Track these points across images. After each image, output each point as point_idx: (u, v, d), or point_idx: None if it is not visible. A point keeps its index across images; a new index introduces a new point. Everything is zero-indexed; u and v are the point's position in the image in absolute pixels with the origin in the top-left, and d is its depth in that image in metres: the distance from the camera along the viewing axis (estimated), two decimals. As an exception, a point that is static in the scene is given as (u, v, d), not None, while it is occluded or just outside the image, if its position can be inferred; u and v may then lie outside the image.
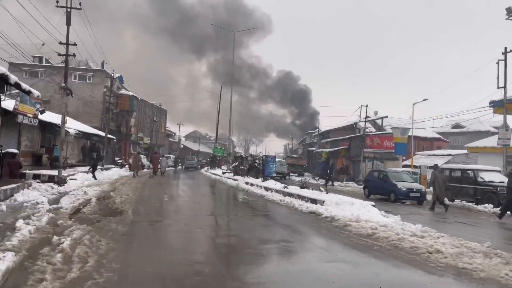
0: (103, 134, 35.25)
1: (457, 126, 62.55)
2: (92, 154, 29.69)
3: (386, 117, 46.25)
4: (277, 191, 15.70)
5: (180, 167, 57.77)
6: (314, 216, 10.62)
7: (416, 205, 17.98)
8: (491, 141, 37.54)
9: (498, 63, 21.28)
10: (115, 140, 44.50)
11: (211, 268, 5.29)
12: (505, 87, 21.29)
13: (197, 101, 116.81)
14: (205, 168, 43.89)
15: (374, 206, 10.97)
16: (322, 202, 11.59)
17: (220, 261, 5.82)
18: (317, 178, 33.36)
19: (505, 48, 21.06)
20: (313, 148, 58.92)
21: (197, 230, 8.08)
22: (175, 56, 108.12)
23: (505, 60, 21.03)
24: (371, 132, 39.03)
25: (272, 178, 18.99)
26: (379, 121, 48.64)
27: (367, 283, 4.89)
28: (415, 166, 36.72)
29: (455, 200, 18.89)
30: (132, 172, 24.91)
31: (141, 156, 38.48)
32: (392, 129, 35.97)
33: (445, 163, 44.11)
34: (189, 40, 73.20)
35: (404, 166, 39.68)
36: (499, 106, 26.80)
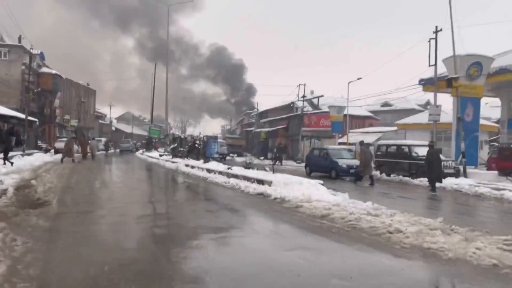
0: (23, 116, 31.86)
1: (385, 104, 65.71)
2: (10, 139, 26.62)
3: (322, 96, 46.90)
4: (220, 172, 14.92)
5: (112, 150, 54.67)
6: (263, 198, 10.02)
7: (355, 181, 18.23)
8: (419, 118, 39.68)
9: (429, 41, 22.00)
10: (37, 123, 40.65)
11: (151, 267, 4.42)
12: (435, 65, 22.13)
13: (127, 79, 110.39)
14: (141, 151, 41.79)
15: (322, 184, 10.63)
16: (269, 183, 11.03)
17: (163, 257, 4.94)
18: (262, 158, 33.23)
19: (436, 27, 21.80)
20: (252, 128, 58.71)
21: (133, 221, 7.08)
22: (102, 31, 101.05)
23: (436, 38, 21.78)
24: (309, 111, 39.34)
25: (214, 159, 18.12)
26: (315, 101, 49.41)
27: (336, 273, 4.33)
28: (350, 144, 37.87)
29: (391, 175, 19.48)
30: (61, 158, 22.75)
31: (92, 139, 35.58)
32: (329, 108, 36.57)
33: (377, 139, 46.17)
34: (114, 13, 68.72)
35: (340, 143, 40.79)
36: (428, 83, 28.08)
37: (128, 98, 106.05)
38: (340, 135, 37.27)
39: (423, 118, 39.03)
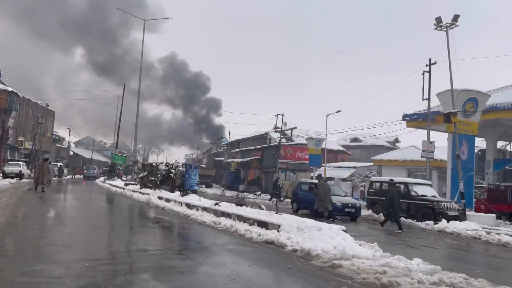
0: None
1: (355, 139, 65.48)
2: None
3: (296, 128, 45.53)
4: (205, 209, 12.38)
5: (68, 177, 50.35)
6: (275, 249, 7.63)
7: (348, 221, 16.23)
8: (394, 155, 38.87)
9: (423, 74, 20.95)
10: (-14, 143, 36.35)
11: None
12: (429, 99, 21.05)
13: (90, 102, 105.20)
14: (102, 179, 38.09)
15: (345, 231, 8.43)
16: (277, 227, 8.70)
17: None
18: (259, 193, 30.98)
19: (430, 59, 20.91)
20: (221, 158, 56.22)
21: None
22: (62, 48, 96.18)
23: (429, 71, 20.84)
24: (284, 143, 37.57)
25: (193, 192, 15.54)
26: (288, 133, 47.95)
27: None
28: (328, 178, 36.22)
29: (380, 214, 17.65)
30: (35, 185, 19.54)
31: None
32: (307, 140, 34.96)
33: (351, 174, 45.00)
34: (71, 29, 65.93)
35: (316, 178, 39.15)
36: (412, 119, 27.14)
37: (91, 122, 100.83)
38: (317, 168, 35.58)
39: (398, 155, 38.32)
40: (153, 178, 19.22)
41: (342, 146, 59.53)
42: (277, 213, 10.03)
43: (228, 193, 19.81)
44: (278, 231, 8.57)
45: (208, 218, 11.30)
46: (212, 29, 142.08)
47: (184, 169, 15.87)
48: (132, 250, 6.99)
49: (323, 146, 35.21)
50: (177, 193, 17.08)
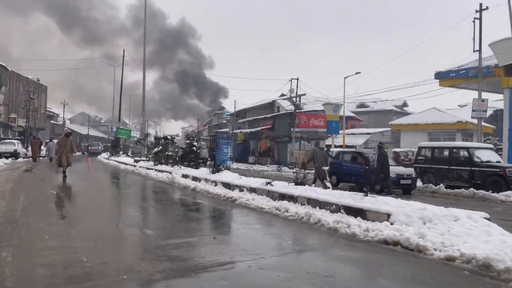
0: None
1: (361, 105, 62.70)
2: None
3: (304, 94, 42.65)
4: (253, 190, 9.74)
5: (79, 153, 47.75)
6: (408, 253, 5.05)
7: (401, 194, 13.77)
8: (414, 118, 36.27)
9: (474, 21, 17.96)
10: (-24, 121, 33.17)
11: None
12: (480, 50, 18.17)
13: (82, 75, 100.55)
14: (104, 155, 35.27)
15: (489, 219, 5.87)
16: (386, 217, 6.11)
17: None
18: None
19: (480, 4, 17.89)
20: (225, 130, 53.34)
21: None
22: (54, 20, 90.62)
23: (480, 18, 17.90)
24: (303, 110, 34.77)
25: (226, 168, 12.78)
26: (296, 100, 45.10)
27: None
28: (347, 146, 33.73)
29: (440, 184, 15.23)
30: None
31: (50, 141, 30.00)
32: (324, 106, 32.17)
33: (365, 141, 42.57)
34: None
35: (328, 145, 36.59)
36: (445, 77, 24.40)
37: (85, 96, 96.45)
38: (335, 136, 32.97)
39: (418, 118, 35.72)
40: (171, 153, 16.48)
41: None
42: (366, 194, 7.38)
43: (243, 166, 17.30)
44: (389, 221, 5.97)
45: (263, 202, 8.65)
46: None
47: (212, 141, 13.07)
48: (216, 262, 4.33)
49: (341, 113, 32.49)
50: (203, 169, 14.41)
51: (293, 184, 9.30)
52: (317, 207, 7.52)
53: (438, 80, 24.66)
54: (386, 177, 13.27)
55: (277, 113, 37.21)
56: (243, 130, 41.93)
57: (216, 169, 12.69)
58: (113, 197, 11.17)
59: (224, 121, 62.25)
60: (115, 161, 25.27)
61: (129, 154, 30.66)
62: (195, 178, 12.97)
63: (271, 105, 43.11)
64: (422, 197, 13.83)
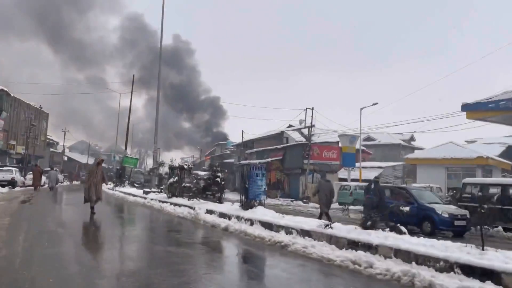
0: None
1: (368, 138, 61.43)
2: None
3: (314, 126, 41.31)
4: (306, 233, 7.89)
5: (65, 183, 45.39)
6: None
7: (453, 237, 11.99)
8: (431, 153, 34.66)
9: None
10: (-27, 147, 31.36)
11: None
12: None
13: (82, 102, 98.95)
14: (109, 185, 33.23)
15: None
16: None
17: None
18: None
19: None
20: (230, 161, 51.58)
21: None
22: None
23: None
24: (316, 141, 33.21)
25: (259, 203, 10.93)
26: (304, 131, 43.76)
27: None
28: (364, 180, 31.95)
29: (498, 227, 13.43)
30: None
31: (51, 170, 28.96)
32: (340, 137, 30.65)
33: (377, 175, 40.80)
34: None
35: (341, 179, 34.86)
36: (472, 109, 23.02)
37: (85, 125, 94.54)
38: (352, 169, 31.22)
39: (435, 153, 34.11)
40: (188, 184, 14.66)
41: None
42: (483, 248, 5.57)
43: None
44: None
45: (328, 251, 6.79)
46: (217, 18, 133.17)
47: (247, 171, 11.28)
48: None
49: (357, 146, 30.96)
50: (228, 204, 12.55)
51: (360, 228, 7.47)
52: (413, 262, 5.68)
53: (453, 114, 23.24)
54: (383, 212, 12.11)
55: (288, 144, 35.63)
56: (252, 161, 40.15)
57: (248, 204, 10.83)
58: (134, 239, 9.28)
59: (228, 152, 60.55)
60: (121, 192, 23.27)
61: (135, 184, 28.71)
62: (223, 215, 11.09)
63: (279, 136, 41.65)
64: (472, 239, 12.02)
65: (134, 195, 19.53)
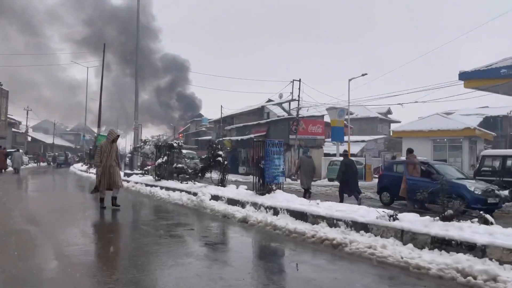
0: None
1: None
2: None
3: (294, 100, 39.52)
4: (361, 227, 6.10)
5: (30, 165, 41.90)
6: None
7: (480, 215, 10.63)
8: (417, 125, 33.74)
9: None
10: None
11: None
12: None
13: (45, 80, 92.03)
14: (79, 166, 30.34)
15: None
16: None
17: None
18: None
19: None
20: (207, 138, 49.20)
21: None
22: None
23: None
24: (303, 115, 31.44)
25: (277, 186, 9.00)
26: (286, 106, 41.92)
27: None
28: (352, 155, 30.67)
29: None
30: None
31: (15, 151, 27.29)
32: (328, 110, 29.04)
33: (361, 150, 39.78)
34: None
35: (327, 154, 33.50)
36: (470, 77, 21.85)
37: (49, 103, 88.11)
38: (341, 144, 29.78)
39: (422, 125, 33.22)
40: (181, 166, 12.56)
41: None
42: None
43: (234, 178, 13.71)
44: None
45: (409, 254, 5.05)
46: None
47: (261, 148, 9.29)
48: None
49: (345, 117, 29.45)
50: (234, 188, 10.59)
51: (437, 217, 5.71)
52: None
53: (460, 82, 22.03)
54: (355, 188, 12.34)
55: (273, 119, 33.72)
56: (232, 138, 38.12)
57: (264, 188, 8.91)
58: (137, 244, 7.19)
59: (204, 129, 58.10)
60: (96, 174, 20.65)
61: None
62: (233, 202, 9.14)
63: (260, 111, 39.66)
64: (504, 217, 10.75)
65: (113, 178, 17.09)
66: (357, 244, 5.60)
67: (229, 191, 10.00)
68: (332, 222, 6.61)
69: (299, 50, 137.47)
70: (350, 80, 28.23)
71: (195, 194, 10.12)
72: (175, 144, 13.59)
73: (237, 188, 10.67)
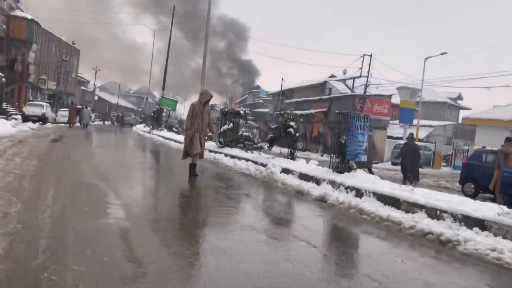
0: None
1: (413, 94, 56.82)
2: None
3: (359, 77, 37.35)
4: (480, 224, 5.02)
5: (96, 122, 43.94)
6: None
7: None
8: (494, 113, 30.63)
9: None
10: (4, 79, 29.32)
11: None
12: None
13: (115, 42, 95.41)
14: (141, 127, 31.03)
15: None
16: None
17: None
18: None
19: None
20: (264, 110, 48.55)
21: None
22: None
23: None
24: (370, 93, 29.64)
25: (359, 165, 8.02)
26: (349, 83, 39.89)
27: None
28: (419, 140, 28.64)
29: None
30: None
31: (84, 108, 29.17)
32: (399, 90, 27.03)
33: (427, 135, 37.23)
34: None
35: (390, 137, 31.55)
36: None
37: (111, 65, 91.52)
38: (409, 126, 27.79)
39: (499, 113, 30.06)
40: (247, 134, 11.94)
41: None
42: None
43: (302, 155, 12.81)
44: None
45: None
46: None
47: (344, 122, 8.24)
48: None
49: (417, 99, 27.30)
50: (304, 163, 9.74)
51: None
52: None
53: None
54: (416, 174, 11.78)
55: (335, 95, 32.20)
56: (292, 112, 37.01)
57: (344, 165, 7.96)
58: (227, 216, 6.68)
59: (261, 101, 57.35)
60: (160, 136, 20.81)
61: (173, 129, 26.29)
62: (306, 177, 8.32)
63: (322, 86, 38.13)
64: None
65: (176, 141, 16.95)
66: (475, 244, 4.57)
67: (301, 165, 9.19)
68: (434, 213, 5.58)
69: (371, 26, 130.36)
70: (426, 58, 25.87)
71: (263, 165, 9.43)
72: (241, 112, 12.95)
73: (307, 163, 9.82)
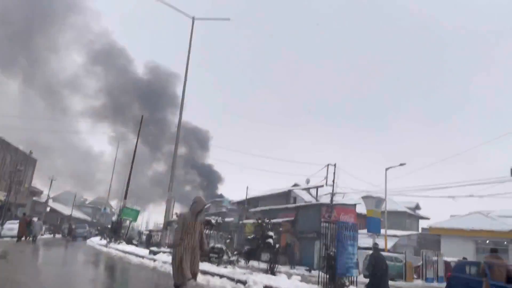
0: None
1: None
2: None
3: (322, 186, 38.10)
4: None
5: (46, 236, 40.37)
6: None
7: None
8: (458, 223, 31.40)
9: None
10: None
11: None
12: None
13: (71, 152, 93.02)
14: (95, 240, 28.62)
15: None
16: None
17: None
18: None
19: None
20: (229, 219, 47.24)
21: None
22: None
23: None
24: (337, 202, 29.81)
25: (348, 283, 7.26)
26: (313, 192, 40.45)
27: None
28: (388, 250, 28.22)
29: None
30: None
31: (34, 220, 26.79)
32: (364, 199, 27.38)
33: (393, 245, 36.94)
34: None
35: (359, 247, 30.89)
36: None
37: (67, 174, 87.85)
38: (377, 236, 27.50)
39: (462, 223, 30.81)
40: (219, 246, 11.00)
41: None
42: None
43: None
44: None
45: None
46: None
47: (332, 232, 7.69)
48: None
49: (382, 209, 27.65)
50: (285, 278, 8.86)
51: None
52: None
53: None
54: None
55: (301, 204, 32.12)
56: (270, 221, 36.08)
57: (336, 284, 7.21)
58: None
59: (225, 210, 56.30)
60: (117, 250, 18.97)
61: (133, 242, 24.30)
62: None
63: (287, 195, 38.30)
64: None
65: (137, 255, 15.36)
66: None
67: (285, 283, 8.29)
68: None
69: (325, 135, 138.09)
70: (387, 169, 27.01)
71: (242, 282, 8.42)
72: (212, 221, 12.16)
73: (289, 278, 8.95)
